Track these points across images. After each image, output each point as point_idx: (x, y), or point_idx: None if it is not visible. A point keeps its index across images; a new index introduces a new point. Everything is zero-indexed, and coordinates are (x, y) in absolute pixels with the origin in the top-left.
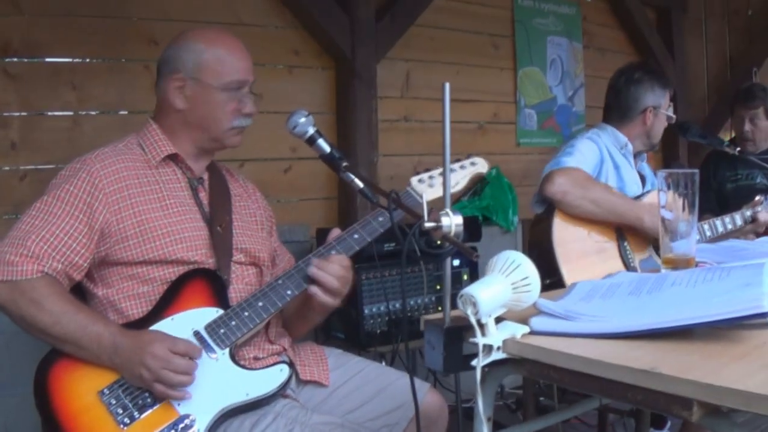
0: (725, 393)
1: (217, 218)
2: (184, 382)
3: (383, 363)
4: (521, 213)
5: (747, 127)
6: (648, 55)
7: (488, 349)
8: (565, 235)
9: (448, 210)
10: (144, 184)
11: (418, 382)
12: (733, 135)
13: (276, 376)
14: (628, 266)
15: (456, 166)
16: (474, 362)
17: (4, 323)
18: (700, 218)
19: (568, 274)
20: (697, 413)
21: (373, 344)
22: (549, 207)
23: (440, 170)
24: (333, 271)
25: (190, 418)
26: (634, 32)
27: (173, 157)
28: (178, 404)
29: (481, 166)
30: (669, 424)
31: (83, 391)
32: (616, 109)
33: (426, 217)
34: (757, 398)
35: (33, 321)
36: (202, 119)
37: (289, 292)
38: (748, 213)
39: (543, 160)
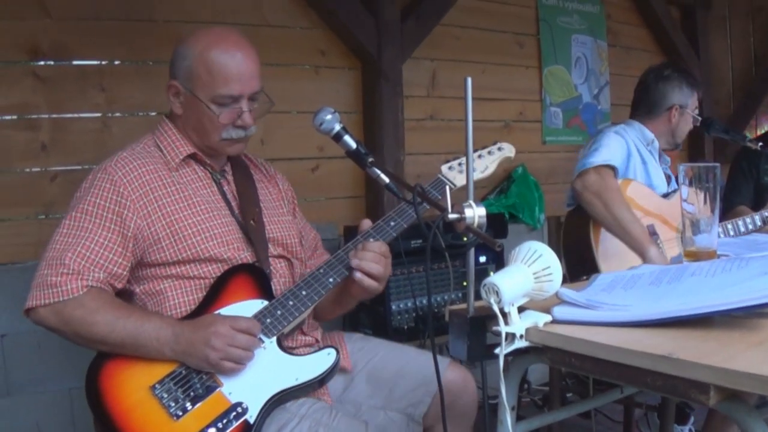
0: (742, 377)
1: (248, 211)
2: (249, 357)
3: None
4: (547, 210)
5: None
6: (673, 54)
7: (511, 337)
8: (602, 231)
9: (471, 201)
10: (167, 185)
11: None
12: (762, 131)
13: (324, 359)
14: None
15: (484, 152)
16: (497, 350)
17: None
18: (736, 209)
19: (606, 270)
20: (714, 398)
21: (401, 340)
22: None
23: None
24: (372, 257)
25: (243, 405)
26: (659, 30)
27: (193, 156)
28: (230, 393)
29: (508, 150)
30: (692, 420)
31: (135, 387)
32: (644, 105)
33: (450, 209)
34: None
35: (89, 335)
36: (195, 128)
37: (331, 280)
38: (766, 214)
39: (569, 158)
